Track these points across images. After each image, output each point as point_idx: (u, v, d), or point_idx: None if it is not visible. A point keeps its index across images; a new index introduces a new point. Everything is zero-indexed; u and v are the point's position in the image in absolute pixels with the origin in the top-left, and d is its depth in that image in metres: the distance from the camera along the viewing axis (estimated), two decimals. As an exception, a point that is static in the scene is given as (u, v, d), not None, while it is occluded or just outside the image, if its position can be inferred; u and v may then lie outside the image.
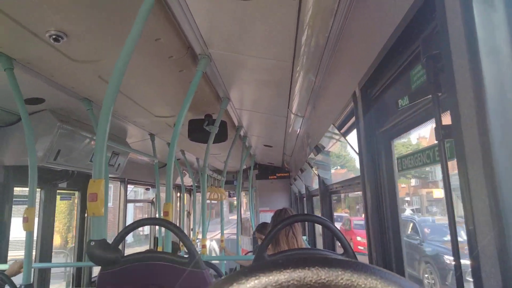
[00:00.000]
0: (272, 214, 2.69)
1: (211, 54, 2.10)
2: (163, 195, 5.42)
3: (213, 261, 3.95)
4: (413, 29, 0.96)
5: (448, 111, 0.87)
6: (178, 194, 8.07)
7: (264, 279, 0.35)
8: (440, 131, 0.87)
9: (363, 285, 0.34)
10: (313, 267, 0.35)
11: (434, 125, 0.92)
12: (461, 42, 0.73)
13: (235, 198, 6.69)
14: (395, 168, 1.42)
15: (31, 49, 1.97)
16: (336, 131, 2.36)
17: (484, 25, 0.68)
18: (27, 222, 2.44)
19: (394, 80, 1.22)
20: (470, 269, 0.76)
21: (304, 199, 6.59)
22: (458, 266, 0.84)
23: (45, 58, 2.09)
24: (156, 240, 6.44)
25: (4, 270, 2.83)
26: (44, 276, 3.75)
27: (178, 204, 8.14)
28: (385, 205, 1.43)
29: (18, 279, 2.55)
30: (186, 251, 1.68)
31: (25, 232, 2.48)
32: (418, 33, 0.96)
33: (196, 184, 7.33)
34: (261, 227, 4.61)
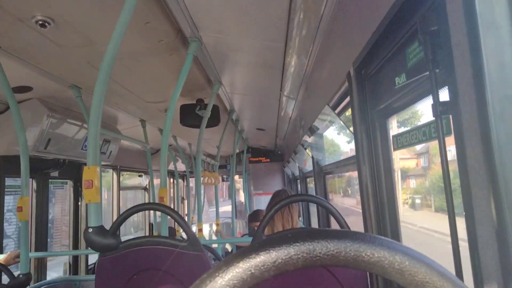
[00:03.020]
0: (266, 197, 2.70)
1: (201, 37, 2.07)
2: (156, 182, 5.40)
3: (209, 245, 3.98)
4: (411, 6, 0.95)
5: (445, 88, 0.88)
6: (172, 180, 8.06)
7: (274, 253, 0.35)
8: (438, 107, 0.88)
9: (370, 255, 0.35)
10: (322, 240, 0.36)
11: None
12: (460, 17, 0.73)
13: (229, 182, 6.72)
14: (391, 147, 1.43)
15: (17, 36, 1.91)
16: (331, 112, 2.36)
17: (483, 0, 0.68)
18: (22, 212, 2.42)
19: (390, 58, 1.22)
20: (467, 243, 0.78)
21: (298, 180, 6.65)
22: (455, 238, 0.86)
23: (32, 44, 2.03)
24: (151, 226, 6.46)
25: None
26: (41, 265, 3.75)
27: (172, 190, 8.14)
28: (382, 185, 1.44)
29: (15, 271, 2.54)
30: (183, 236, 1.69)
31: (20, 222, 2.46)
32: (416, 10, 0.95)
33: (189, 170, 7.32)
34: (255, 215, 4.56)
